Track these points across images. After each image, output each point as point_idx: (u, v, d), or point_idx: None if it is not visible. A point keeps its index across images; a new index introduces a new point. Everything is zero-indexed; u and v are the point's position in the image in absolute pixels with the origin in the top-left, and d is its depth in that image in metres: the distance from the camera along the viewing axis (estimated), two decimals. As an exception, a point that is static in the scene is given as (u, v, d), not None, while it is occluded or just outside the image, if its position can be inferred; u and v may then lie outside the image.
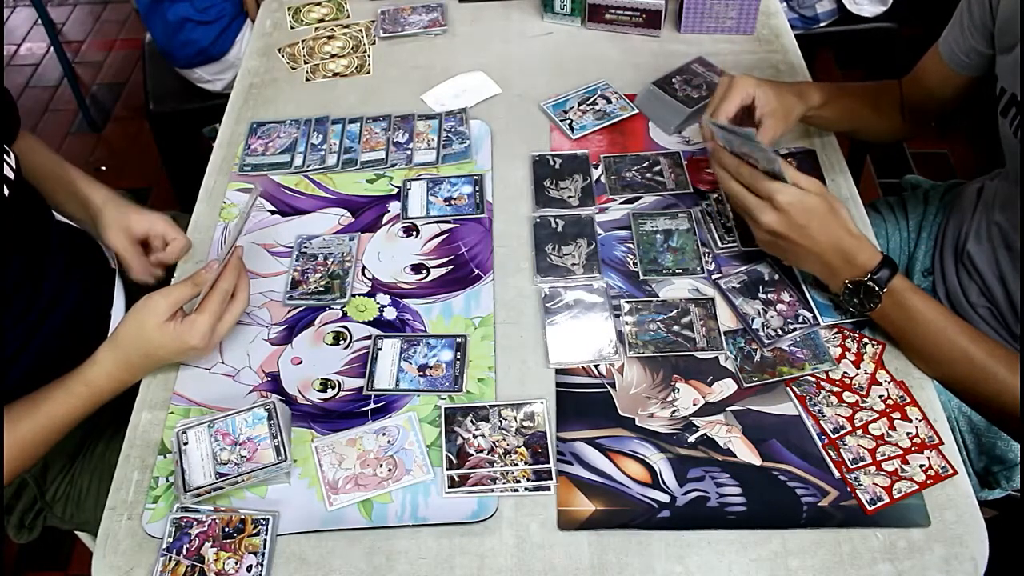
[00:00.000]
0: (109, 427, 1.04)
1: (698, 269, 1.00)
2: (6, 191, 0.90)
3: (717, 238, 1.03)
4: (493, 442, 0.85)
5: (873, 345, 0.92)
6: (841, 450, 0.83)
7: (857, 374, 0.89)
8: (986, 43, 0.99)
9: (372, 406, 0.90)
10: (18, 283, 0.94)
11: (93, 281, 1.11)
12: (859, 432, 0.85)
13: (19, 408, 0.86)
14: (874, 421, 0.85)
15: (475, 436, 0.86)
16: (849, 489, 0.81)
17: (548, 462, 0.84)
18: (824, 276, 0.91)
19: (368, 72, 1.31)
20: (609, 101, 1.22)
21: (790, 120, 1.03)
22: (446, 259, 1.03)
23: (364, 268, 1.03)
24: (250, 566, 0.77)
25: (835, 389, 0.88)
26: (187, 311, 0.88)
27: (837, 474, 0.82)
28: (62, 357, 0.89)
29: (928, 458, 0.83)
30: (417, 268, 1.02)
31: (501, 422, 0.87)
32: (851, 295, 0.88)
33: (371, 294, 1.00)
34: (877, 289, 0.86)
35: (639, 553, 0.78)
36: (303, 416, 0.89)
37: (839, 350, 0.91)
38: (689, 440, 0.85)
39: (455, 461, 0.84)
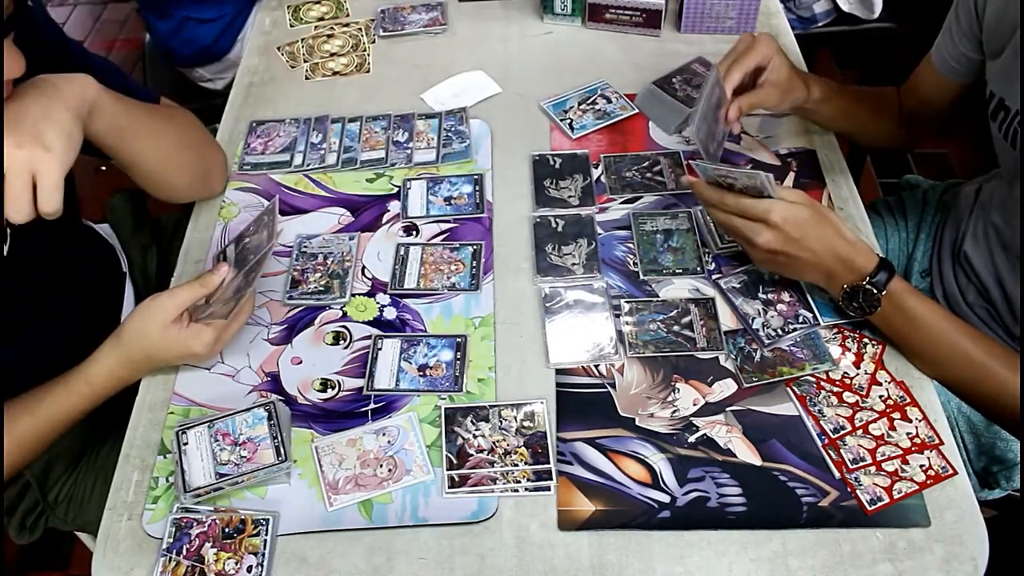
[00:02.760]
0: (113, 429, 1.04)
1: (698, 269, 1.00)
2: None
3: (717, 238, 1.03)
4: (493, 442, 0.85)
5: (873, 345, 0.92)
6: (841, 450, 0.83)
7: (857, 374, 0.89)
8: (975, 49, 1.00)
9: (372, 406, 0.90)
10: (33, 284, 0.94)
11: (105, 284, 1.11)
12: (859, 432, 0.85)
13: (20, 405, 0.86)
14: (874, 421, 0.85)
15: (475, 436, 0.86)
16: (849, 489, 0.81)
17: (548, 462, 0.84)
18: (824, 283, 0.91)
19: (368, 71, 1.31)
20: (609, 101, 1.22)
21: (786, 99, 1.01)
22: (446, 259, 1.03)
23: (364, 268, 1.03)
24: (250, 566, 0.77)
25: (835, 389, 0.88)
26: (189, 309, 0.88)
27: (837, 474, 0.82)
28: (71, 358, 0.89)
29: (928, 458, 0.83)
30: (417, 268, 1.02)
31: (501, 422, 0.87)
32: (850, 299, 0.88)
33: (371, 294, 1.00)
34: (875, 292, 0.86)
35: (639, 553, 0.78)
36: (303, 416, 0.89)
37: (839, 350, 0.91)
38: (689, 440, 0.85)
39: (455, 461, 0.84)
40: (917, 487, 0.81)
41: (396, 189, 1.12)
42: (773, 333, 0.93)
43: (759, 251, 0.89)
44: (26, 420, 0.85)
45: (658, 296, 0.98)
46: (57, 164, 0.75)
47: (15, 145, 0.73)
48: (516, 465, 0.84)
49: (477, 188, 1.10)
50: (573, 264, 1.01)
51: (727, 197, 0.89)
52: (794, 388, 0.88)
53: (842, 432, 0.85)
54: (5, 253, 0.84)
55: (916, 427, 0.85)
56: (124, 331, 0.88)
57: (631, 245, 1.03)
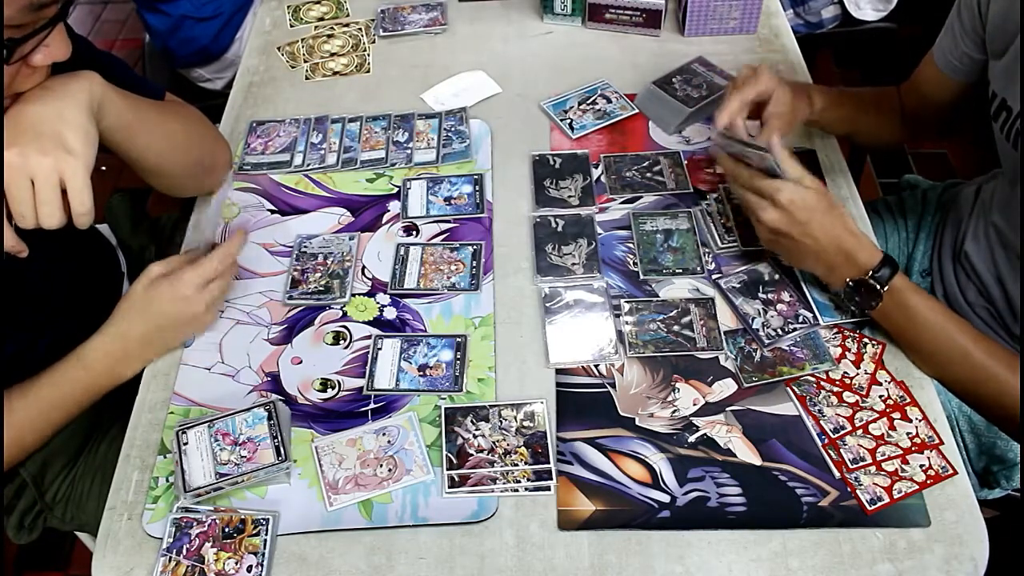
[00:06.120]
0: (111, 429, 1.04)
1: (698, 269, 1.00)
2: None
3: (717, 238, 1.03)
4: (493, 442, 0.85)
5: (873, 345, 0.92)
6: (841, 450, 0.83)
7: (857, 374, 0.89)
8: (978, 48, 1.00)
9: (372, 406, 0.90)
10: (32, 283, 0.94)
11: (104, 283, 1.11)
12: (859, 432, 0.85)
13: (15, 392, 0.86)
14: (874, 421, 0.85)
15: (475, 436, 0.86)
16: (849, 489, 0.81)
17: (548, 462, 0.84)
18: (825, 275, 0.91)
19: (368, 71, 1.31)
20: (609, 101, 1.22)
21: (794, 123, 1.03)
22: (446, 259, 1.03)
23: (364, 267, 1.03)
24: (250, 566, 0.77)
25: (835, 389, 0.88)
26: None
27: (837, 474, 0.82)
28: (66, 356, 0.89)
29: (928, 458, 0.83)
30: (417, 268, 1.02)
31: (501, 422, 0.87)
32: (852, 293, 0.88)
33: (371, 294, 1.00)
34: (878, 288, 0.86)
35: (639, 553, 0.78)
36: (303, 416, 0.89)
37: (839, 350, 0.91)
38: (689, 440, 0.85)
39: (455, 461, 0.84)
40: (917, 487, 0.81)
41: (396, 189, 1.12)
42: (773, 333, 0.93)
43: (764, 229, 0.90)
44: (20, 407, 0.85)
45: (658, 296, 0.98)
46: (82, 166, 0.77)
47: (39, 152, 0.75)
48: (516, 465, 0.84)
49: (477, 188, 1.10)
50: (573, 264, 1.01)
51: (742, 170, 0.91)
52: (794, 388, 0.88)
53: (842, 432, 0.85)
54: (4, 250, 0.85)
55: (916, 427, 0.85)
56: (117, 308, 0.89)
57: (631, 245, 1.03)
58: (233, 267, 0.94)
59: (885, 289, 0.86)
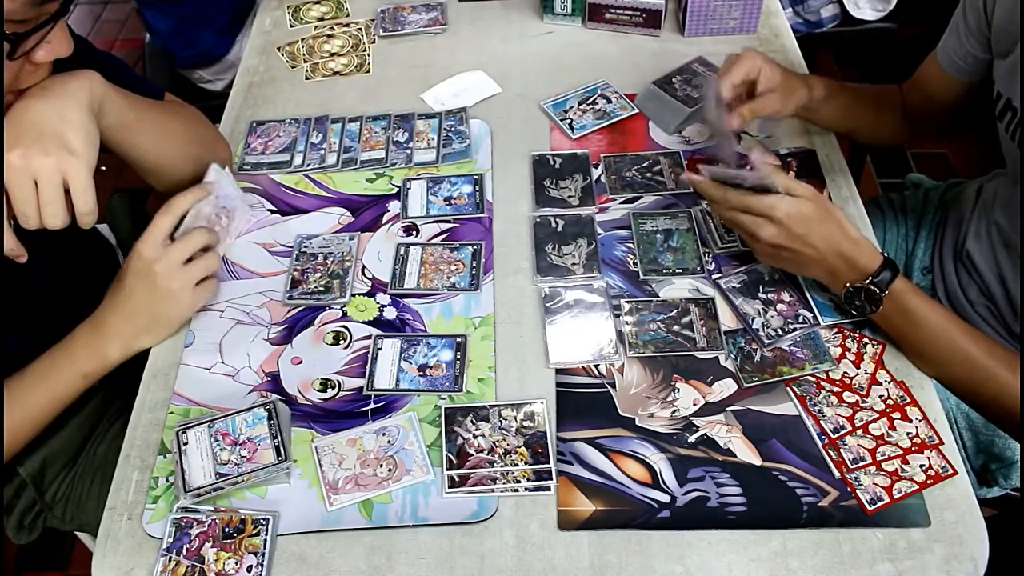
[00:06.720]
0: (111, 429, 1.05)
1: (698, 269, 1.00)
2: None
3: (717, 238, 1.03)
4: (493, 442, 0.85)
5: (873, 345, 0.92)
6: (841, 450, 0.83)
7: (857, 374, 0.89)
8: (982, 48, 1.00)
9: (372, 406, 0.90)
10: (32, 282, 0.94)
11: (104, 283, 1.11)
12: (859, 432, 0.85)
13: (6, 382, 0.86)
14: (874, 421, 0.85)
15: (475, 436, 0.86)
16: (849, 489, 0.81)
17: (548, 462, 0.84)
18: (826, 280, 0.91)
19: (368, 71, 1.31)
20: (609, 101, 1.22)
21: (789, 102, 1.01)
22: (446, 259, 1.03)
23: (364, 267, 1.03)
24: (250, 566, 0.77)
25: (835, 389, 0.88)
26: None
27: (837, 474, 0.82)
28: None
29: (928, 458, 0.83)
30: (417, 268, 1.02)
31: (501, 422, 0.87)
32: (852, 298, 0.88)
33: (371, 294, 1.00)
34: (878, 292, 0.86)
35: (639, 553, 0.78)
36: (303, 416, 0.89)
37: (839, 350, 0.91)
38: (689, 440, 0.85)
39: (455, 461, 0.84)
40: (917, 487, 0.81)
41: (396, 189, 1.12)
42: (773, 333, 0.93)
43: (763, 245, 0.89)
44: (11, 396, 0.86)
45: (658, 296, 0.98)
46: (85, 166, 0.78)
47: (42, 153, 0.75)
48: (516, 465, 0.84)
49: (477, 188, 1.10)
50: (573, 264, 1.01)
51: (731, 194, 0.90)
52: (794, 388, 0.88)
53: (842, 432, 0.85)
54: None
55: (916, 427, 0.85)
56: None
57: (631, 245, 1.03)
58: (210, 235, 0.94)
59: (885, 294, 0.86)
